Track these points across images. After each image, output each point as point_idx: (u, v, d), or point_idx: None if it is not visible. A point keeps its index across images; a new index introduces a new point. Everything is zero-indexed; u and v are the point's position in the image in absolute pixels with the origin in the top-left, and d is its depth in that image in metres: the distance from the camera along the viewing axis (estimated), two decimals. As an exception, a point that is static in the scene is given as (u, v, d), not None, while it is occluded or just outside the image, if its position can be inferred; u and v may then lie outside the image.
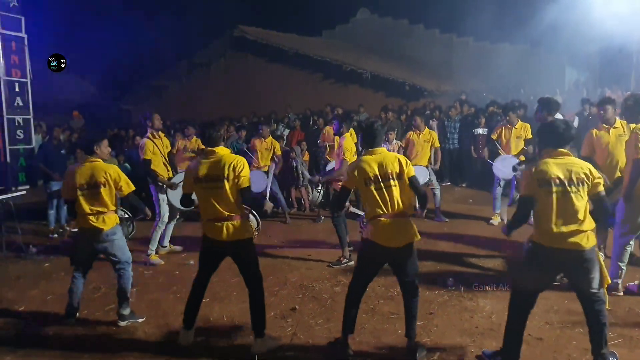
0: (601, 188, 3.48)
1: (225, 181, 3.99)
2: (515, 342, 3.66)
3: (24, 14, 8.69)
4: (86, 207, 4.60)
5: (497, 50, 18.45)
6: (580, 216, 3.41)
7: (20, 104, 8.58)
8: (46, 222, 8.44)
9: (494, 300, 4.96)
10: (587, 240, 3.41)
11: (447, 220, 8.31)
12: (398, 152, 8.73)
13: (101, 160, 4.76)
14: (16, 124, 8.57)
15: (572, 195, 3.40)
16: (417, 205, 4.08)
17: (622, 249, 5.05)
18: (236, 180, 4.00)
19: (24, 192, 7.44)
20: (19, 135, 8.62)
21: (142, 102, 20.67)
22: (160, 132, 6.91)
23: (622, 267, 5.05)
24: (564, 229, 3.39)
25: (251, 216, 4.42)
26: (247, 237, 4.16)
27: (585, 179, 3.42)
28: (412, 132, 8.49)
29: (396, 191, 3.82)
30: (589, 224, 3.44)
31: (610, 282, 3.51)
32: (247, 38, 19.42)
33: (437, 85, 16.89)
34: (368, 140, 4.06)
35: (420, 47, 20.40)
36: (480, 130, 10.40)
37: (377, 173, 3.82)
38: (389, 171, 3.82)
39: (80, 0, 20.02)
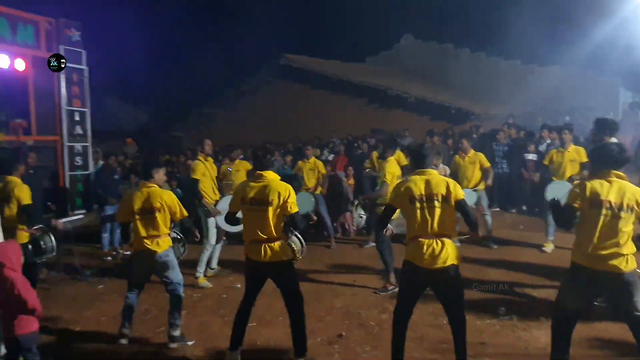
0: None
1: (269, 206, 4.12)
2: None
3: (85, 47, 9.24)
4: (142, 231, 4.76)
5: (546, 73, 18.06)
6: (622, 241, 3.44)
7: (80, 132, 9.05)
8: (100, 245, 8.74)
9: (550, 331, 4.74)
10: (627, 263, 3.44)
11: (496, 247, 8.07)
12: (445, 176, 8.58)
13: (157, 186, 4.93)
14: (75, 151, 9.04)
15: (620, 220, 3.43)
16: (469, 229, 4.01)
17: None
18: (281, 206, 4.12)
19: (81, 216, 7.73)
20: (78, 162, 9.07)
21: (191, 129, 21.36)
22: (209, 158, 7.12)
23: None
24: (604, 251, 3.44)
25: (295, 238, 4.46)
26: (285, 259, 4.24)
27: (636, 206, 3.43)
28: (457, 156, 8.40)
29: (439, 213, 3.78)
30: (630, 248, 3.46)
31: None
32: (292, 66, 19.86)
33: (484, 108, 16.67)
34: (417, 162, 4.07)
35: (466, 71, 20.24)
36: (531, 156, 10.13)
37: (423, 192, 3.81)
38: (435, 192, 3.80)
39: (135, 35, 21.04)
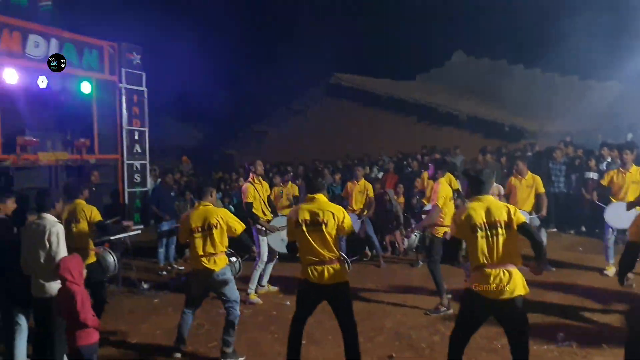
0: None
1: (324, 226, 4.16)
2: None
3: (144, 70, 9.71)
4: (199, 249, 4.90)
5: (605, 88, 17.40)
6: None
7: (139, 150, 9.47)
8: (156, 260, 9.03)
9: (611, 359, 4.51)
10: None
11: (554, 269, 7.75)
12: (499, 196, 8.35)
13: (212, 205, 5.07)
14: (134, 169, 9.45)
15: None
16: (534, 255, 3.82)
17: None
18: (337, 227, 4.18)
19: (139, 231, 8.02)
20: (136, 179, 9.48)
21: (244, 147, 21.88)
22: (260, 178, 7.26)
23: None
24: None
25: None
26: (345, 280, 4.26)
27: None
28: (513, 177, 8.10)
29: (503, 240, 3.65)
30: None
31: None
32: (342, 84, 20.07)
33: (540, 125, 16.20)
34: (475, 188, 3.92)
35: (520, 87, 19.79)
36: (591, 174, 9.73)
37: (484, 220, 3.70)
38: (497, 219, 3.67)
39: (190, 56, 21.91)
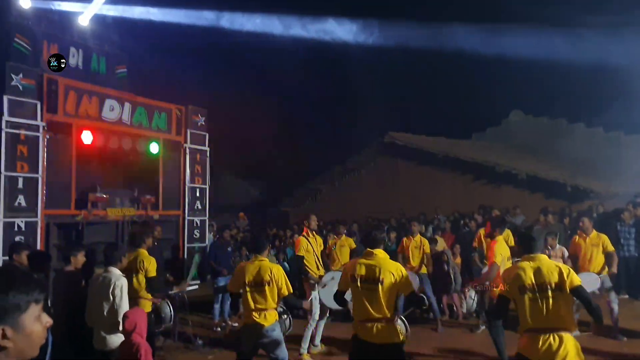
0: None
1: (380, 284, 4.10)
2: None
3: (207, 130, 10.22)
4: (251, 304, 4.93)
5: (676, 147, 16.58)
6: None
7: (199, 207, 9.82)
8: (211, 316, 9.11)
9: None
10: None
11: (626, 339, 7.21)
12: (562, 259, 8.00)
13: (267, 260, 5.15)
14: (194, 225, 9.77)
15: None
16: (592, 320, 3.67)
17: None
18: (396, 286, 4.09)
19: (196, 286, 8.17)
20: (196, 235, 9.77)
21: (299, 204, 22.12)
22: (314, 232, 7.36)
23: None
24: None
25: (399, 321, 4.38)
26: (397, 341, 4.14)
27: None
28: (577, 236, 7.79)
29: (554, 303, 3.50)
30: None
31: None
32: (397, 143, 20.13)
33: (605, 186, 15.50)
34: (525, 246, 3.87)
35: (582, 147, 19.14)
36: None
37: (533, 281, 3.58)
38: (547, 280, 3.55)
39: (249, 118, 22.90)
